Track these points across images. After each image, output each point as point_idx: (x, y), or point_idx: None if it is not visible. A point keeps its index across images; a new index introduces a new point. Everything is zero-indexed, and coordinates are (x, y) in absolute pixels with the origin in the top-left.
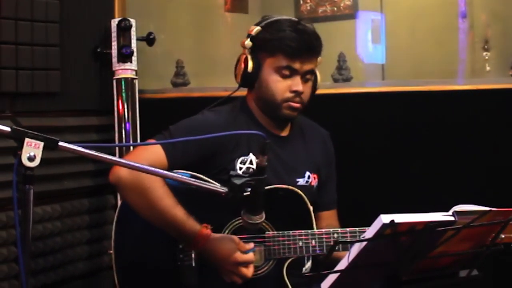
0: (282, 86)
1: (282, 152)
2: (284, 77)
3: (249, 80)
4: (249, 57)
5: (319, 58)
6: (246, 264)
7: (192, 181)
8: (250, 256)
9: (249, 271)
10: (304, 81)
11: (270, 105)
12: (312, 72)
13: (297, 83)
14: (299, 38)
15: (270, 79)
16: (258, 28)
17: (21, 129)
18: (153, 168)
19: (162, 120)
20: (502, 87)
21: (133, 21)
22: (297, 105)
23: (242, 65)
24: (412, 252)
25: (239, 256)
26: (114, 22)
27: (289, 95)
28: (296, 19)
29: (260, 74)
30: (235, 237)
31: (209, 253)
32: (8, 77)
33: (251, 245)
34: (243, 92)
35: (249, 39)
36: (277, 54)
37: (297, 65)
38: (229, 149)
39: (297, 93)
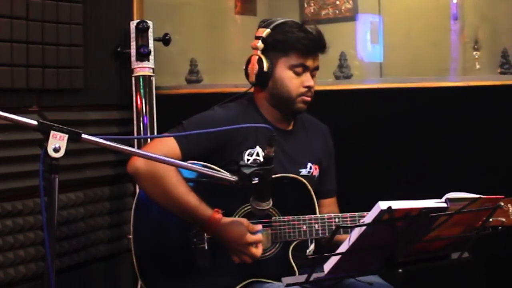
0: (297, 82)
1: (286, 144)
2: (297, 74)
3: (264, 79)
4: (263, 59)
5: None
6: (255, 244)
7: (205, 170)
8: (259, 236)
9: (258, 251)
10: (312, 76)
11: (285, 101)
12: (318, 68)
13: (308, 79)
14: (310, 37)
15: (285, 77)
16: (268, 30)
17: (47, 122)
18: (167, 158)
19: (177, 115)
20: (491, 83)
21: (150, 23)
22: (309, 99)
23: (256, 66)
24: (408, 236)
25: (249, 237)
26: (133, 24)
27: (303, 90)
28: (297, 21)
29: (274, 73)
30: (245, 220)
31: (221, 235)
32: (35, 74)
33: (260, 226)
34: (251, 88)
35: (260, 41)
36: (290, 53)
37: (309, 62)
38: (237, 142)
39: (309, 88)
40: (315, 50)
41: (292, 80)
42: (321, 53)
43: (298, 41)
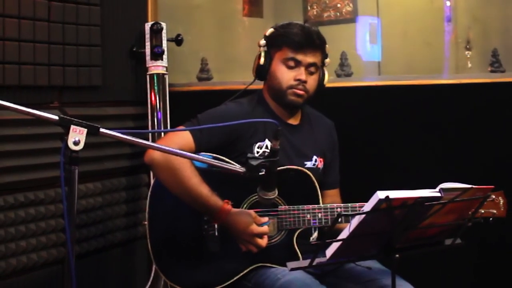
0: (288, 75)
1: (293, 138)
2: (290, 68)
3: (262, 72)
4: (262, 53)
5: (328, 60)
6: (261, 235)
7: (215, 162)
8: (264, 228)
9: (263, 242)
10: (309, 73)
11: (278, 92)
12: (316, 65)
13: (300, 73)
14: (302, 34)
15: (277, 69)
16: (272, 29)
17: (67, 117)
18: (181, 151)
19: (189, 110)
20: (482, 81)
21: (164, 24)
22: (301, 92)
23: (256, 60)
24: (404, 224)
25: (255, 228)
26: (147, 25)
27: (293, 83)
28: (300, 22)
29: (271, 67)
30: (252, 212)
31: (229, 225)
32: (56, 72)
33: (266, 219)
34: (259, 85)
35: (263, 39)
36: (283, 47)
37: (300, 57)
38: (248, 135)
39: (300, 81)
40: (306, 46)
41: (284, 73)
42: (312, 49)
43: (290, 36)
